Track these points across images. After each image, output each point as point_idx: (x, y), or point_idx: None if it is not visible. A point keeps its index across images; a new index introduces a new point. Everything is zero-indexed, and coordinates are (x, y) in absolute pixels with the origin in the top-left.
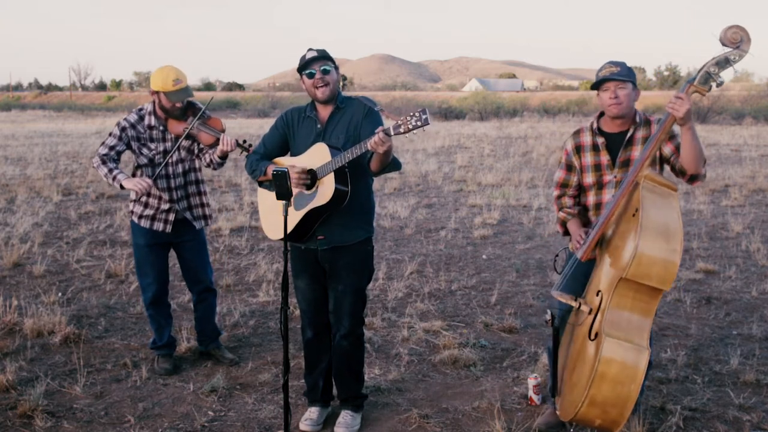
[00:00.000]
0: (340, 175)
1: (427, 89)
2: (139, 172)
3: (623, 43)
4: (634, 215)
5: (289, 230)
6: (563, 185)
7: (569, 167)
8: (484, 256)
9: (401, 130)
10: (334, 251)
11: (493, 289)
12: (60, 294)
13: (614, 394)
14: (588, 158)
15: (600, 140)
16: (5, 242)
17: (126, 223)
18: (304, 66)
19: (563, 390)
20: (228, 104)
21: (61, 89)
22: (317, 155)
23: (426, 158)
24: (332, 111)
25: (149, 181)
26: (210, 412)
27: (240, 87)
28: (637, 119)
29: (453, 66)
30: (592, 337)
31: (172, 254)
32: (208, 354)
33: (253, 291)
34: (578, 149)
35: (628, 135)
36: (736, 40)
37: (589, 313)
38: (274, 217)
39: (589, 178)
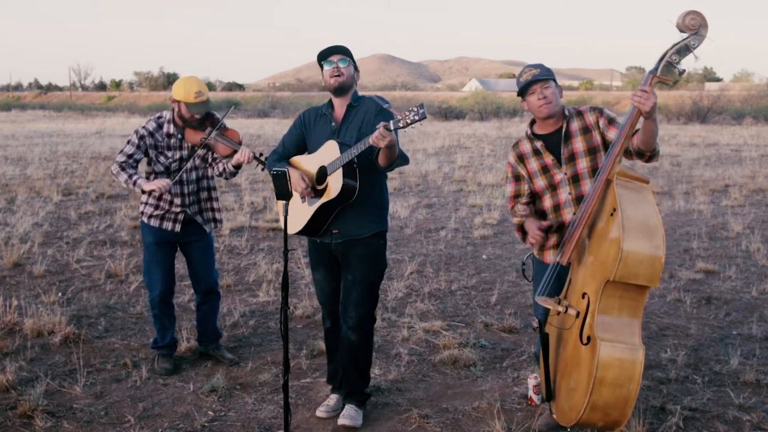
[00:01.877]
0: (348, 170)
1: (427, 89)
2: (152, 176)
3: (623, 43)
4: (612, 215)
5: (303, 225)
6: (516, 197)
7: (517, 178)
8: (484, 256)
9: (400, 124)
10: (346, 243)
11: (493, 289)
12: (60, 294)
13: (614, 396)
14: (533, 163)
15: (538, 143)
16: (5, 242)
17: (126, 224)
18: (323, 56)
19: (558, 395)
20: (228, 104)
21: (61, 89)
22: (328, 153)
23: (426, 158)
24: (347, 109)
25: (168, 180)
26: (210, 412)
27: (240, 87)
28: (566, 113)
29: (453, 66)
30: (585, 341)
31: (180, 257)
32: (208, 354)
33: (253, 291)
34: (521, 158)
35: (564, 130)
36: (695, 25)
37: (577, 316)
38: (292, 214)
39: (540, 182)
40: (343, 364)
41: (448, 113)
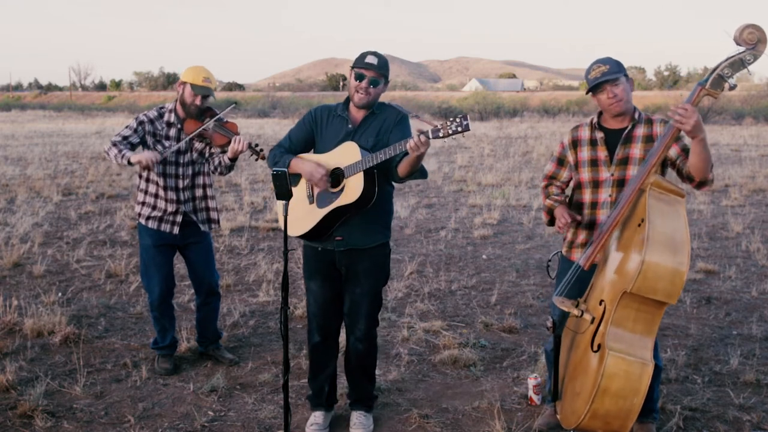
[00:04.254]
0: (369, 175)
1: (427, 89)
2: (145, 172)
3: (623, 43)
4: (639, 225)
5: (309, 228)
6: (551, 177)
7: (561, 161)
8: (484, 256)
9: (440, 134)
10: (351, 254)
11: (493, 289)
12: (60, 294)
13: (617, 407)
14: (585, 153)
15: (599, 135)
16: (5, 242)
17: (126, 224)
18: (359, 65)
19: (564, 397)
20: (228, 104)
21: (61, 89)
22: (346, 154)
23: (426, 158)
24: (366, 115)
25: (156, 153)
26: (210, 412)
27: (240, 87)
28: (636, 116)
29: (453, 66)
30: (595, 348)
31: (179, 258)
32: (208, 354)
33: (253, 291)
34: (575, 143)
35: (626, 131)
36: (752, 40)
37: (591, 322)
38: (295, 214)
39: (585, 174)
40: (352, 372)
41: (448, 113)
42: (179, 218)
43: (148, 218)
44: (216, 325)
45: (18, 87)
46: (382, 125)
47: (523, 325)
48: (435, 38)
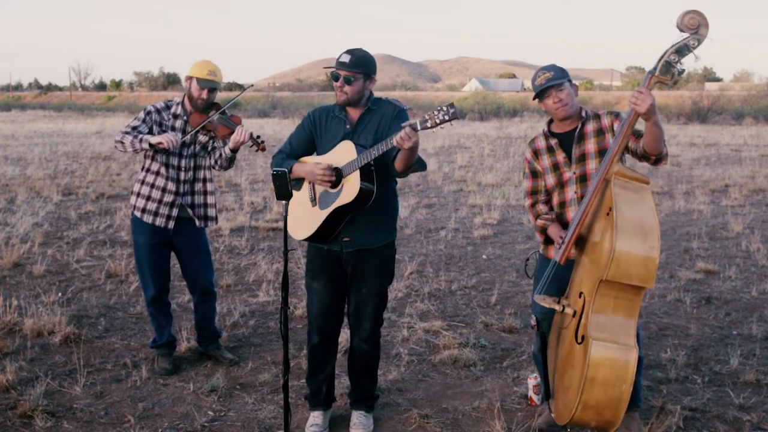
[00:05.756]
0: (366, 173)
1: (427, 89)
2: (149, 161)
3: (623, 43)
4: (608, 214)
5: (312, 231)
6: (533, 192)
7: (534, 173)
8: (484, 256)
9: (428, 124)
10: (359, 253)
11: (493, 289)
12: (60, 294)
13: (606, 396)
14: (545, 160)
15: (553, 141)
16: (5, 242)
17: (126, 223)
18: (334, 65)
19: (556, 393)
20: (227, 101)
21: (61, 89)
22: (343, 153)
23: (426, 158)
24: (362, 113)
25: (178, 136)
26: (210, 412)
27: (240, 87)
28: (584, 114)
29: (453, 66)
30: (579, 340)
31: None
32: (208, 354)
33: (253, 291)
34: (536, 154)
35: (578, 131)
36: (694, 25)
37: (574, 315)
38: (299, 217)
39: (550, 180)
40: (355, 371)
41: None
42: (174, 212)
43: (143, 211)
44: (215, 324)
45: (18, 87)
46: (380, 122)
47: (523, 325)
48: (435, 38)
